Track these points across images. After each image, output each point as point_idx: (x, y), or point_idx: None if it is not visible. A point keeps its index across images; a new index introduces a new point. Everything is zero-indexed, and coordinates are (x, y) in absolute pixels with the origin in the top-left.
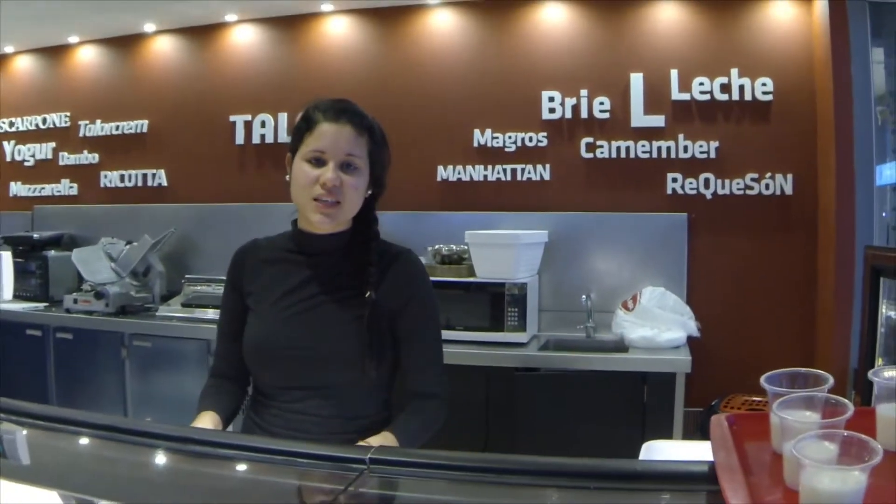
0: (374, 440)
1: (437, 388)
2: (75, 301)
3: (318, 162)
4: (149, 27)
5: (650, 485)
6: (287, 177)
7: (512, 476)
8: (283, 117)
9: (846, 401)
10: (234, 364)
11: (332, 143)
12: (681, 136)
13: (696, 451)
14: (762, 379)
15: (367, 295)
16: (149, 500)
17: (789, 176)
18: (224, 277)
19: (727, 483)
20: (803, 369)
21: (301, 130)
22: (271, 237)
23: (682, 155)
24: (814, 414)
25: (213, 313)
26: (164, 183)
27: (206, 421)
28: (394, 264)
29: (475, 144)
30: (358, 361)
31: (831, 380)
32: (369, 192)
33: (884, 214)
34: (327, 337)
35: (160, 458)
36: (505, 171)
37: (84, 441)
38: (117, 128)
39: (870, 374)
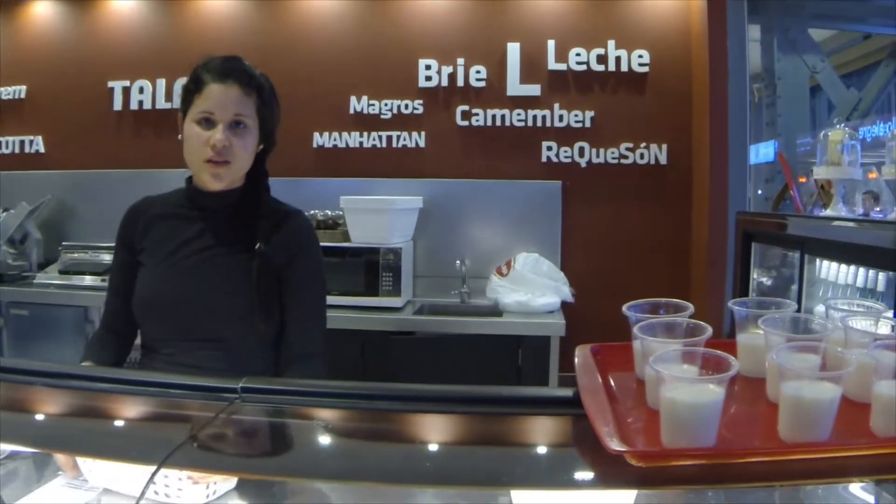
0: None
1: (319, 348)
2: None
3: (208, 123)
4: None
5: (517, 409)
6: (179, 137)
7: (381, 402)
8: (161, 83)
9: (705, 324)
10: (122, 318)
11: (220, 104)
12: (556, 106)
13: None
14: (624, 307)
15: (256, 247)
16: (22, 436)
17: (664, 146)
18: (101, 244)
19: (591, 403)
20: (664, 299)
21: (190, 91)
22: (164, 194)
23: (557, 124)
24: (675, 340)
25: (90, 280)
26: (42, 149)
27: None
28: (284, 221)
29: (351, 111)
30: (247, 314)
31: (692, 307)
32: (260, 147)
33: (759, 192)
34: (217, 289)
35: (34, 395)
36: (380, 137)
37: None
38: None
39: (730, 303)
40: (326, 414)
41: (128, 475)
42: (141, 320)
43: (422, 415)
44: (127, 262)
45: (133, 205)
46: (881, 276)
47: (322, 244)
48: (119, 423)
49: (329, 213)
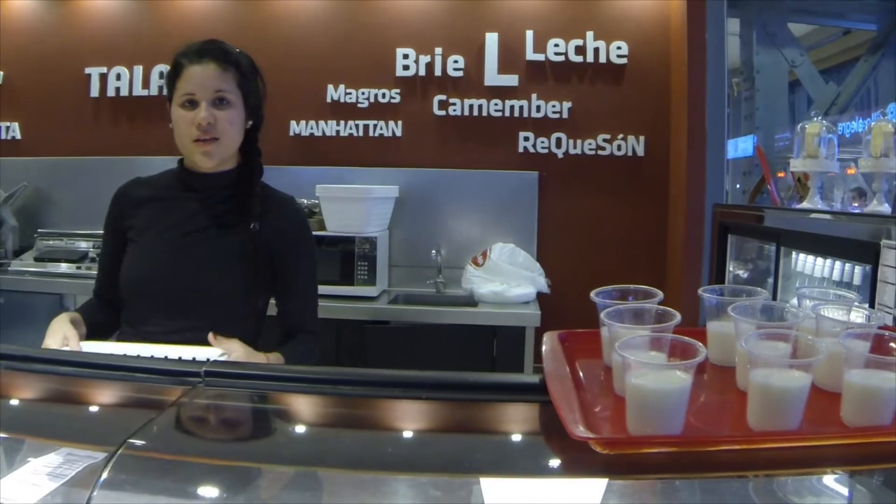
0: (270, 356)
1: (316, 327)
2: None
3: (192, 104)
4: None
5: (484, 395)
6: (170, 125)
7: (345, 387)
8: (139, 70)
9: (674, 311)
10: (109, 293)
11: (200, 83)
12: (534, 96)
13: None
14: (593, 293)
15: (250, 226)
16: None
17: (641, 138)
18: (77, 231)
19: (556, 390)
20: (633, 286)
21: (171, 78)
22: (154, 175)
23: (534, 114)
24: (643, 326)
25: (65, 267)
26: (18, 136)
27: (65, 317)
28: (278, 206)
29: (328, 100)
30: (234, 295)
31: (661, 294)
32: (250, 123)
33: (737, 186)
34: (206, 269)
35: None
36: (357, 126)
37: None
38: None
39: (700, 290)
40: (290, 399)
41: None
42: (127, 297)
43: (386, 400)
44: (114, 241)
45: (122, 185)
46: (857, 269)
47: None
48: (79, 406)
49: (305, 201)
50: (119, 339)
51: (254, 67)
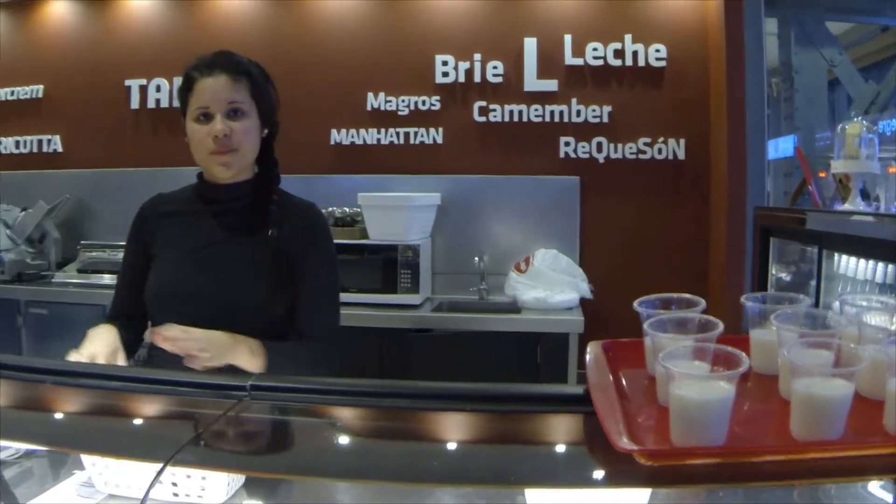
0: (249, 340)
1: (325, 332)
2: None
3: (206, 117)
4: None
5: (528, 406)
6: (186, 139)
7: (390, 400)
8: (178, 82)
9: (717, 320)
10: (129, 311)
11: (213, 96)
12: (574, 101)
13: None
14: (636, 303)
15: (269, 233)
16: (31, 434)
17: (682, 141)
18: (119, 243)
19: (600, 401)
20: (676, 294)
21: (184, 92)
22: (175, 191)
23: (574, 119)
24: (686, 336)
25: (109, 279)
26: (60, 149)
27: (103, 330)
28: (297, 212)
29: (368, 108)
30: (261, 304)
31: (703, 303)
32: (265, 132)
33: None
34: (230, 280)
35: (44, 393)
36: (398, 134)
37: None
38: (12, 93)
39: (743, 298)
40: (335, 412)
41: (139, 476)
42: (154, 313)
43: (430, 412)
44: (137, 258)
45: (145, 202)
46: None
47: (340, 241)
48: (127, 420)
49: (347, 210)
50: (148, 357)
51: (265, 76)
